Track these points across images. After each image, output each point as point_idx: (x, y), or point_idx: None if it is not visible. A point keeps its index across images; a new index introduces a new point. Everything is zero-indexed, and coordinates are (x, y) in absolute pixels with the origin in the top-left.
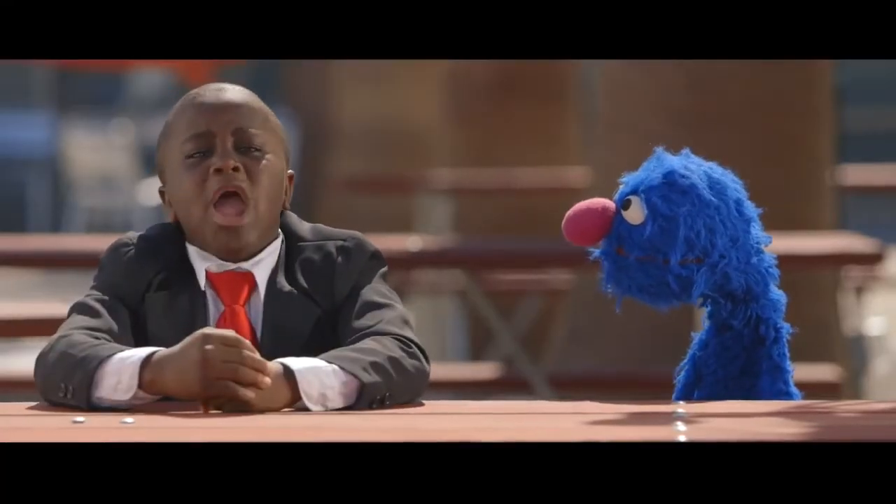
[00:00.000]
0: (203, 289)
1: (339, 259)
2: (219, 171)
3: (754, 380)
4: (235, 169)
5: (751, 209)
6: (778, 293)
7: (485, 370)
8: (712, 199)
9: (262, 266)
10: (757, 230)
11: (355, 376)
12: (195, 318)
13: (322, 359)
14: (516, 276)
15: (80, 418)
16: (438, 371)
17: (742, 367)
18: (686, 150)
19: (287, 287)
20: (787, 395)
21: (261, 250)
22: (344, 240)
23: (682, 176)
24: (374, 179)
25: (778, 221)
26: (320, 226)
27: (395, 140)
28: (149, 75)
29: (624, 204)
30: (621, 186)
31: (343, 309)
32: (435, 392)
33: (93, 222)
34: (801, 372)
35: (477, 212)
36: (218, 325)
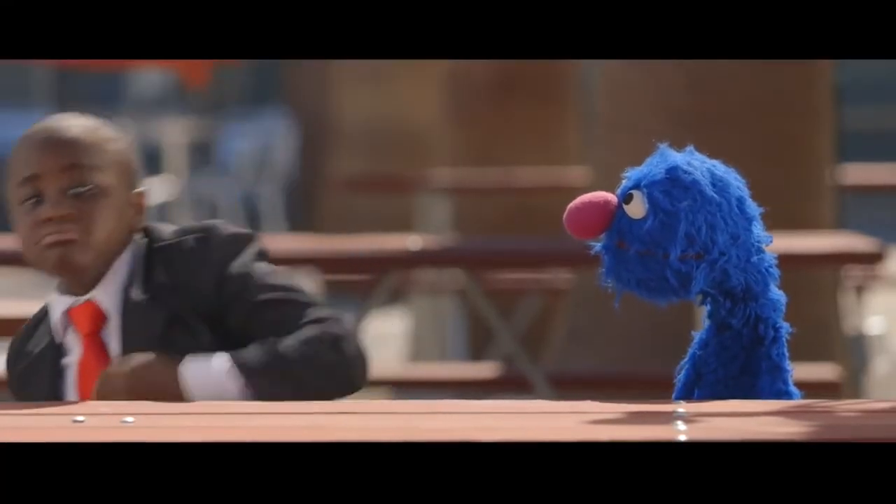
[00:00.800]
0: (59, 337)
1: (196, 250)
2: (49, 219)
3: (754, 379)
4: (68, 216)
5: (753, 208)
6: (777, 293)
7: (485, 370)
8: (714, 195)
9: (108, 288)
10: (758, 229)
11: (239, 356)
12: (54, 367)
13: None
14: (516, 276)
15: (80, 417)
16: (438, 371)
17: (742, 367)
18: (690, 148)
19: (140, 297)
20: (787, 395)
21: (104, 273)
22: (201, 230)
23: (685, 172)
24: (374, 179)
25: (778, 221)
26: (187, 224)
27: (395, 140)
28: (149, 75)
29: (626, 198)
30: (624, 181)
31: (223, 301)
32: (435, 392)
33: None
34: (801, 371)
35: (477, 211)
36: (81, 361)
